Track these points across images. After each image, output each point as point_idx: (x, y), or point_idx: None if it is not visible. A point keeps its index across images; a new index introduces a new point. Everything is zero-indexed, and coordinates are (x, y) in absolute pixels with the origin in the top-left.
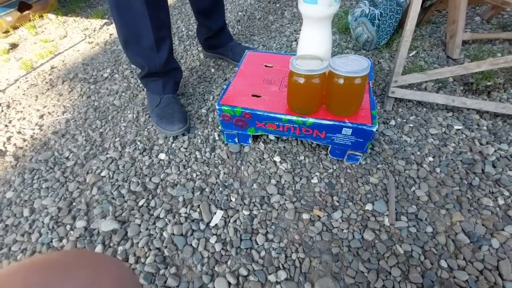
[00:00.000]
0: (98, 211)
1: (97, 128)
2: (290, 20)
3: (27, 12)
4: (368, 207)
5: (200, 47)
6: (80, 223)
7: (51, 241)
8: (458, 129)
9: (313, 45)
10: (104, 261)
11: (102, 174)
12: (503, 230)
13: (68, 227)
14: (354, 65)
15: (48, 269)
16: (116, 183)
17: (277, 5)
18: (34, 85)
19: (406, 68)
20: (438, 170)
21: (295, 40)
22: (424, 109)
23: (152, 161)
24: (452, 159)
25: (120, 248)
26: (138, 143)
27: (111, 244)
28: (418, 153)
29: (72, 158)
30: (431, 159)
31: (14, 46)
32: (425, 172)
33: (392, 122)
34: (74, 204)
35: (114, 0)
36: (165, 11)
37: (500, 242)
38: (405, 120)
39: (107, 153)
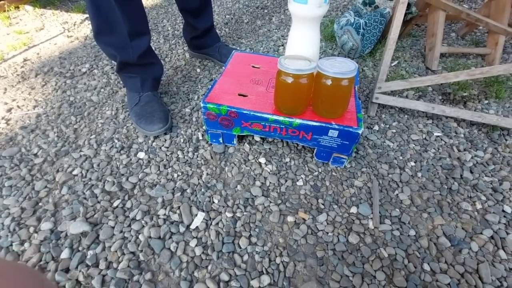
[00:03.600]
0: (67, 212)
1: (71, 124)
2: (277, 25)
3: (1, 2)
4: (353, 210)
5: (186, 46)
6: (45, 225)
7: (11, 245)
8: (438, 136)
9: (302, 46)
10: (9, 268)
11: (74, 172)
12: (481, 233)
13: (31, 229)
14: (341, 67)
15: None
16: (89, 182)
17: (265, 10)
18: (3, 77)
19: (388, 76)
20: (419, 174)
21: (283, 45)
22: (406, 116)
23: (130, 160)
24: (432, 164)
25: (90, 252)
26: (116, 141)
27: (80, 248)
28: (401, 157)
29: (41, 155)
30: (413, 163)
31: None
32: (407, 176)
33: (376, 127)
34: (40, 204)
35: None
36: (136, 5)
37: (479, 246)
38: (388, 126)
39: (80, 151)
